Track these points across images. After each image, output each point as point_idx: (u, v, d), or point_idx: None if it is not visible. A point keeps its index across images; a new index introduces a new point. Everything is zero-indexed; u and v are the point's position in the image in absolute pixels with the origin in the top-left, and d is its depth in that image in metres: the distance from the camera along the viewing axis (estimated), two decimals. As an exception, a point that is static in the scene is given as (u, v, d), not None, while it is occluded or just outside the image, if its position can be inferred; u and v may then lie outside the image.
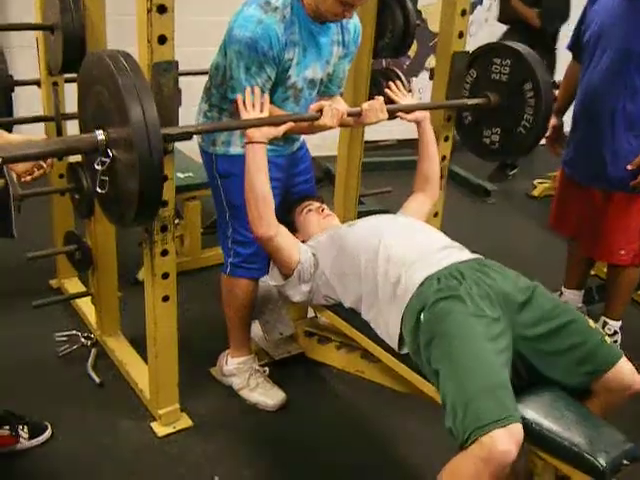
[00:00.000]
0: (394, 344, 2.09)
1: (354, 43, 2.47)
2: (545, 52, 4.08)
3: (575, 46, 3.07)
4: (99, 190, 1.92)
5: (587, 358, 1.88)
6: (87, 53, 2.04)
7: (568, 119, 3.16)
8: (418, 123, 2.57)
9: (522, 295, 1.97)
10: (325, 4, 2.19)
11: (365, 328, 2.23)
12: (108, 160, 1.86)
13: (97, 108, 1.93)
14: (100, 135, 1.86)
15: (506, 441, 1.59)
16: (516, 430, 1.62)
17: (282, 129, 2.19)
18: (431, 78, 2.82)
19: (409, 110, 2.53)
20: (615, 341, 3.12)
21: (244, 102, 2.16)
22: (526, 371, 1.94)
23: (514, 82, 2.69)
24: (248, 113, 2.15)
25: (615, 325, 3.17)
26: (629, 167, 2.82)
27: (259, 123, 2.14)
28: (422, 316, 1.93)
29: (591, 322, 1.97)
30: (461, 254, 2.17)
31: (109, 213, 2.11)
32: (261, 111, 2.16)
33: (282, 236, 2.29)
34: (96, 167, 1.89)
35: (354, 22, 2.44)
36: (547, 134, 3.19)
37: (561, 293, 3.40)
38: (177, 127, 2.03)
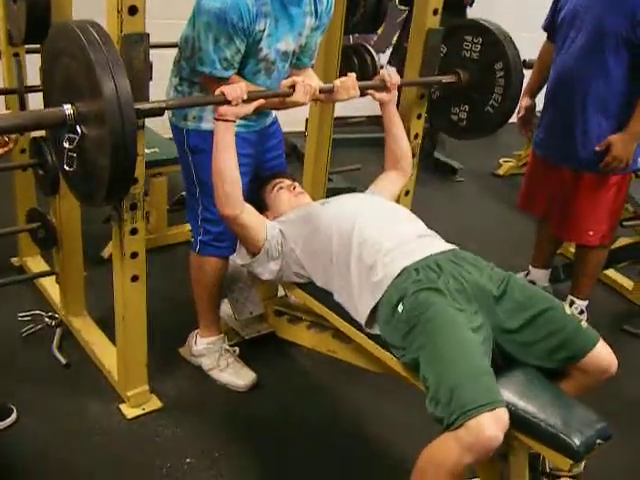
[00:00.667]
0: (361, 323, 2.09)
1: (327, 14, 2.42)
2: (456, 13, 3.97)
3: (549, 26, 3.06)
4: (67, 168, 1.85)
5: (564, 345, 1.88)
6: (53, 23, 1.95)
7: (539, 101, 3.17)
8: (382, 105, 2.53)
9: (497, 288, 1.98)
10: None
11: (337, 307, 2.21)
12: (77, 137, 1.79)
13: (64, 81, 1.85)
14: (68, 109, 1.79)
15: (493, 426, 1.59)
16: (502, 415, 1.62)
17: (253, 106, 2.13)
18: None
19: (380, 88, 2.50)
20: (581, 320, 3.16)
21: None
22: (502, 359, 1.94)
23: (485, 61, 2.68)
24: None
25: (582, 304, 3.21)
26: (597, 148, 2.84)
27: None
28: (400, 306, 1.92)
29: (567, 308, 1.98)
30: (437, 244, 2.17)
31: (77, 192, 2.05)
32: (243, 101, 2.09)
33: (248, 214, 2.26)
34: (64, 144, 1.81)
35: None
36: (519, 115, 3.19)
37: (528, 272, 3.44)
38: (149, 102, 1.97)
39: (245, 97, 2.08)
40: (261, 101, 2.16)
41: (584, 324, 1.94)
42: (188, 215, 2.57)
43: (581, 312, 3.19)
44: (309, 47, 2.46)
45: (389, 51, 5.68)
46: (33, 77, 2.68)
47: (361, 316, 2.08)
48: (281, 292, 2.95)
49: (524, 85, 2.81)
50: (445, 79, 2.72)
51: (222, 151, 2.13)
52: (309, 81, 2.29)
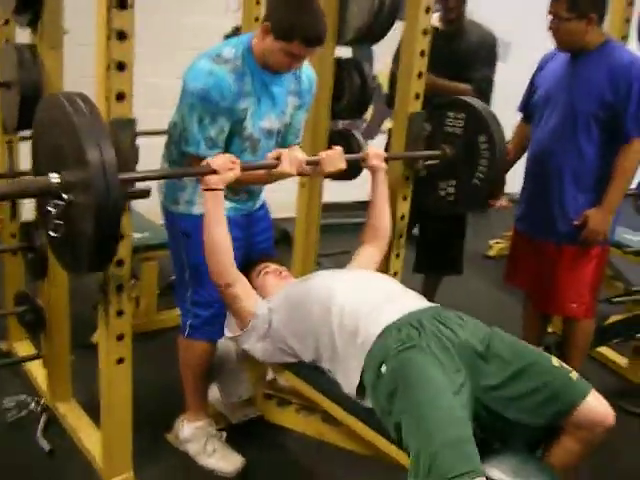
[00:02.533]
0: (353, 394, 2.05)
1: (309, 93, 2.50)
2: None
3: (525, 108, 3.17)
4: (52, 234, 1.85)
5: (553, 398, 1.85)
6: (43, 96, 1.99)
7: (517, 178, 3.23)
8: (374, 172, 2.55)
9: (481, 344, 1.96)
10: (272, 56, 2.22)
11: (326, 389, 2.19)
12: (63, 204, 1.79)
13: (52, 150, 1.87)
14: (55, 178, 1.79)
15: None
16: None
17: (238, 171, 2.12)
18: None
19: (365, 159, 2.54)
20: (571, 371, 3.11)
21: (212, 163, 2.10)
22: (491, 420, 1.90)
23: (468, 135, 2.73)
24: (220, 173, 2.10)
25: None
26: (575, 222, 2.88)
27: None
28: (383, 367, 1.90)
29: (555, 360, 1.95)
30: (418, 302, 2.16)
31: (62, 259, 2.03)
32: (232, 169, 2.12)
33: (241, 284, 2.25)
34: (49, 208, 1.81)
35: (308, 72, 2.47)
36: None
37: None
38: (135, 172, 1.99)
39: (231, 165, 2.10)
40: (245, 174, 2.17)
41: (574, 375, 1.90)
42: (177, 298, 2.58)
43: None
44: (294, 126, 2.52)
45: (377, 137, 5.81)
46: (25, 163, 2.74)
47: (351, 386, 2.05)
48: (270, 375, 2.92)
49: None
50: (430, 153, 2.77)
51: (213, 222, 2.13)
52: (295, 153, 2.31)
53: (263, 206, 2.68)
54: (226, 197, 2.24)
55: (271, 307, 2.30)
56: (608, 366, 3.66)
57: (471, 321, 2.08)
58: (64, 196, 1.78)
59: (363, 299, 2.12)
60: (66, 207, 1.79)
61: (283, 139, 2.52)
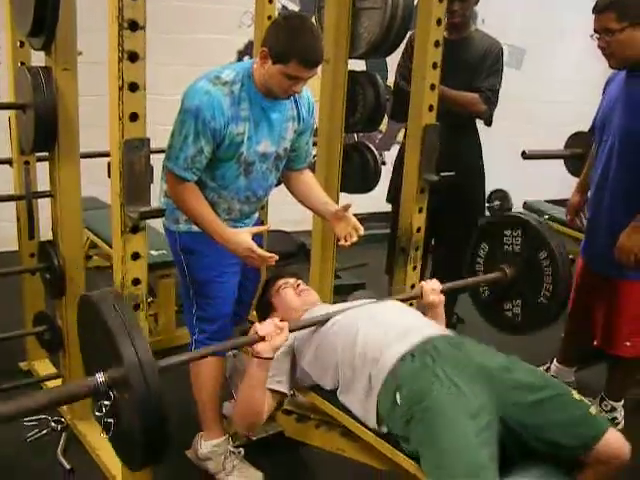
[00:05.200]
0: (372, 423, 2.05)
1: (310, 115, 2.51)
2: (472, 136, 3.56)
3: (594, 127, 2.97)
4: (104, 435, 1.89)
5: (572, 433, 1.84)
6: (80, 296, 2.05)
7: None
8: (432, 308, 2.44)
9: (500, 366, 1.95)
10: (272, 80, 2.24)
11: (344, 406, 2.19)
12: (109, 402, 1.82)
13: (95, 349, 1.95)
14: (100, 378, 1.81)
15: None
16: None
17: (286, 334, 2.10)
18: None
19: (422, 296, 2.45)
20: (615, 418, 3.04)
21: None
22: (513, 444, 1.88)
23: (528, 252, 2.64)
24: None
25: (614, 404, 3.07)
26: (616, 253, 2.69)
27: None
28: (398, 395, 1.90)
29: (576, 394, 1.93)
30: (433, 330, 2.16)
31: (120, 455, 2.05)
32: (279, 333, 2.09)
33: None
34: (96, 412, 1.85)
35: (306, 95, 2.48)
36: (567, 214, 3.23)
37: (548, 367, 3.36)
38: (173, 357, 2.02)
39: (278, 331, 2.08)
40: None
41: (593, 410, 1.89)
42: (185, 316, 2.59)
43: (611, 409, 3.06)
44: (301, 149, 2.54)
45: (394, 148, 5.81)
46: (42, 183, 2.76)
47: (370, 414, 2.05)
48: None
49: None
50: (491, 277, 2.71)
51: (254, 389, 2.15)
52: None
53: (257, 222, 2.70)
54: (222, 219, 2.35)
55: (289, 353, 2.32)
56: None
57: (487, 347, 2.08)
58: (111, 394, 1.81)
59: (385, 332, 2.12)
60: (113, 405, 1.82)
61: (291, 162, 2.55)
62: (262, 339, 2.06)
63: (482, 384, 1.89)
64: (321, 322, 2.27)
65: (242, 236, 2.25)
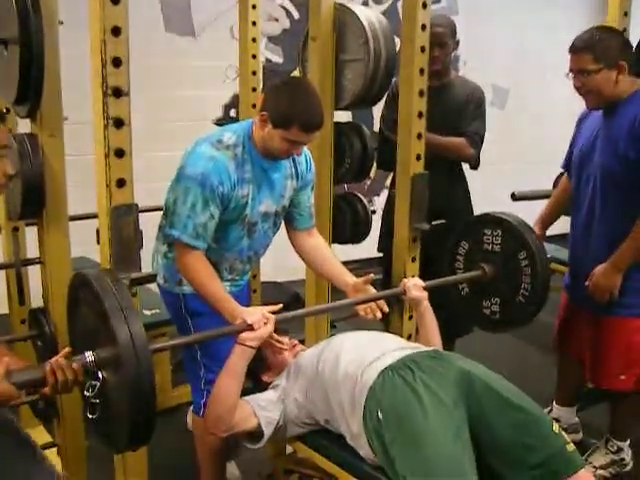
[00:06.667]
0: (364, 449, 2.03)
1: (309, 172, 2.51)
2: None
3: (567, 166, 3.00)
4: (90, 415, 1.84)
5: (543, 464, 1.83)
6: (73, 274, 2.02)
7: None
8: (416, 304, 2.50)
9: (484, 374, 1.98)
10: (273, 142, 2.24)
11: (344, 461, 2.16)
12: (98, 383, 1.79)
13: (85, 328, 1.91)
14: (89, 356, 1.79)
15: None
16: None
17: (272, 326, 2.12)
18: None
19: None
20: (622, 459, 2.97)
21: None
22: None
23: (507, 252, 2.69)
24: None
25: (620, 444, 2.99)
26: (587, 283, 2.72)
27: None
28: (380, 413, 1.91)
29: (556, 426, 1.92)
30: (416, 349, 2.17)
31: (103, 438, 1.99)
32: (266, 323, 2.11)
33: (237, 423, 2.17)
34: (85, 392, 1.81)
35: (303, 152, 2.45)
36: None
37: (551, 409, 3.29)
38: (165, 342, 2.12)
39: (265, 320, 2.09)
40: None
41: (570, 447, 1.87)
42: (189, 378, 2.55)
43: (618, 450, 2.98)
44: (304, 205, 2.54)
45: (383, 194, 5.82)
46: (32, 249, 2.74)
47: (360, 439, 2.03)
48: (289, 449, 2.86)
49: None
50: (471, 275, 2.75)
51: (230, 377, 2.12)
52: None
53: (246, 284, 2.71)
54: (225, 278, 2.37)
55: (282, 395, 2.28)
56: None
57: (470, 360, 2.09)
58: (99, 375, 1.79)
59: (365, 353, 2.14)
60: (101, 386, 1.79)
61: (299, 223, 2.56)
62: (250, 327, 2.07)
63: (461, 391, 1.91)
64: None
65: (254, 308, 2.24)
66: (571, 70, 2.62)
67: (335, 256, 2.63)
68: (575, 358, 3.06)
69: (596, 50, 2.53)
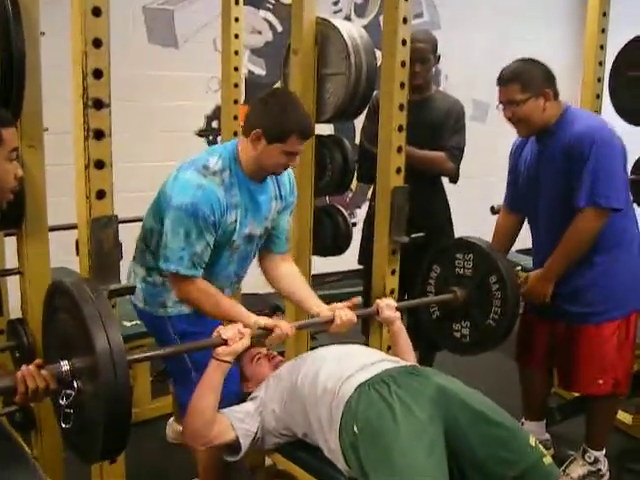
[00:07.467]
0: (341, 462, 2.03)
1: (292, 194, 2.51)
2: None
3: (512, 201, 3.02)
4: (63, 425, 1.83)
5: (521, 477, 1.84)
6: (51, 281, 2.02)
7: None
8: (389, 324, 2.55)
9: (460, 389, 1.99)
10: (270, 159, 2.22)
11: (323, 473, 2.17)
12: (73, 393, 1.78)
13: (61, 337, 1.89)
14: (65, 366, 1.77)
15: None
16: None
17: (247, 341, 2.13)
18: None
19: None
20: (599, 469, 2.98)
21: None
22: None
23: (479, 276, 2.73)
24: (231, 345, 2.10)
25: (597, 454, 3.00)
26: (522, 289, 2.78)
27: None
28: (355, 427, 1.92)
29: (532, 439, 1.93)
30: (395, 363, 2.18)
31: (75, 448, 1.98)
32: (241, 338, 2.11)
33: (215, 436, 2.17)
34: (59, 401, 1.79)
35: (287, 173, 2.45)
36: None
37: (522, 424, 3.30)
38: (142, 353, 2.05)
39: (240, 335, 2.10)
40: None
41: (547, 460, 1.89)
42: (181, 398, 2.50)
43: (595, 461, 2.98)
44: (282, 228, 2.52)
45: (365, 206, 5.83)
46: (11, 260, 2.73)
47: (337, 453, 2.03)
48: (268, 461, 2.85)
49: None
50: (442, 298, 2.79)
51: (207, 390, 2.12)
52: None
53: None
54: None
55: (261, 395, 2.29)
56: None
57: (447, 376, 2.10)
58: (74, 384, 1.77)
59: (343, 367, 2.14)
60: (76, 396, 1.78)
61: (275, 246, 2.53)
62: (225, 342, 2.08)
63: (437, 406, 1.91)
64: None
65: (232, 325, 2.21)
66: (501, 102, 2.74)
67: (307, 285, 2.60)
68: (537, 369, 3.09)
69: (523, 80, 2.66)
